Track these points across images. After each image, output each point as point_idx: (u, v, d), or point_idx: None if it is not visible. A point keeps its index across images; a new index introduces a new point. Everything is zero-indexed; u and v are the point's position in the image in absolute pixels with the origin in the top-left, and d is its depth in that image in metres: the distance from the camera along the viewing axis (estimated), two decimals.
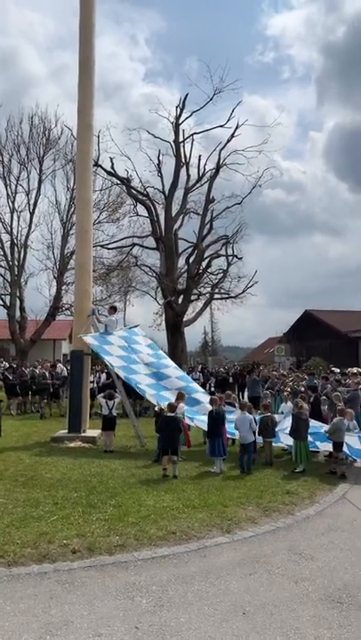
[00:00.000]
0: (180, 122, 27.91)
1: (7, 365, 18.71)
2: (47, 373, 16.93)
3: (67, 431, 11.98)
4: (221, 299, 29.97)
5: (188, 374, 19.09)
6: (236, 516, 6.52)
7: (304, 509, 6.99)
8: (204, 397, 12.04)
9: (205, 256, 28.55)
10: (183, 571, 4.91)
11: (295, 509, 6.96)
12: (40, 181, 25.60)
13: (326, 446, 9.68)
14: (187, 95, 28.22)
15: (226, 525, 6.17)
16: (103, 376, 16.78)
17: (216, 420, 9.31)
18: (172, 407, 9.36)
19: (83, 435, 11.77)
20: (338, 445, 9.19)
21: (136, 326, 15.01)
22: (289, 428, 9.66)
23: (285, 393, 12.88)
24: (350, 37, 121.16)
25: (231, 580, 4.74)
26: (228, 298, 29.58)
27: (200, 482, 8.22)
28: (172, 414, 9.14)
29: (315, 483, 8.41)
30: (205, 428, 9.83)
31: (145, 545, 5.48)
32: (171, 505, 6.85)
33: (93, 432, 12.12)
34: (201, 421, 10.58)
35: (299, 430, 9.39)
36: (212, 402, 9.79)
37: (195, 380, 18.75)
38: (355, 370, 17.41)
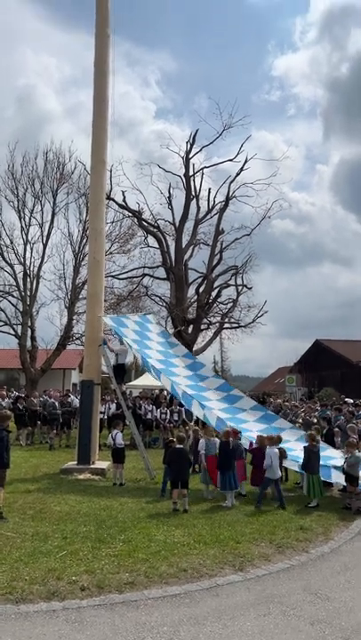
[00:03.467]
0: (190, 156, 28.62)
1: (17, 395, 18.66)
2: (57, 403, 16.89)
3: (76, 463, 11.85)
4: (231, 328, 30.01)
5: None
6: (248, 552, 6.34)
7: (319, 546, 6.79)
8: (212, 395, 12.00)
9: (215, 286, 28.75)
10: (195, 611, 4.75)
11: (310, 546, 6.76)
12: (53, 214, 26.16)
13: (339, 477, 9.44)
14: (197, 131, 29.08)
15: (238, 563, 6.00)
16: (113, 406, 16.70)
17: (228, 452, 9.11)
18: (180, 439, 9.22)
19: (92, 466, 11.64)
20: (353, 479, 8.96)
21: (150, 314, 15.34)
22: (301, 459, 9.48)
23: (298, 425, 12.70)
24: (354, 73, 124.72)
25: (245, 621, 4.58)
26: (237, 327, 29.60)
27: (211, 516, 8.04)
28: (181, 446, 8.99)
29: (329, 518, 8.19)
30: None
31: (155, 583, 5.34)
32: (181, 540, 6.70)
33: (103, 464, 11.98)
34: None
35: (311, 464, 9.20)
36: (226, 434, 9.49)
37: (208, 422, 18.64)
38: None
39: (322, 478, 9.35)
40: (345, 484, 9.21)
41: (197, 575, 5.59)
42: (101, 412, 14.81)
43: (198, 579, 5.51)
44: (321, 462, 9.41)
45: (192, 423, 14.41)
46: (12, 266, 25.86)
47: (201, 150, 29.28)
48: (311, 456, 9.23)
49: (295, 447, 10.30)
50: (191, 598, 5.03)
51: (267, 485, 9.01)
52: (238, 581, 5.51)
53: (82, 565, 5.69)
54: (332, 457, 10.03)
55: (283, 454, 9.39)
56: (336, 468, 9.74)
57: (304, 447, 9.56)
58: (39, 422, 17.36)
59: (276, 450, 9.17)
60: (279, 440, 9.55)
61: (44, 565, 5.65)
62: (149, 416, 17.11)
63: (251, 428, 11.01)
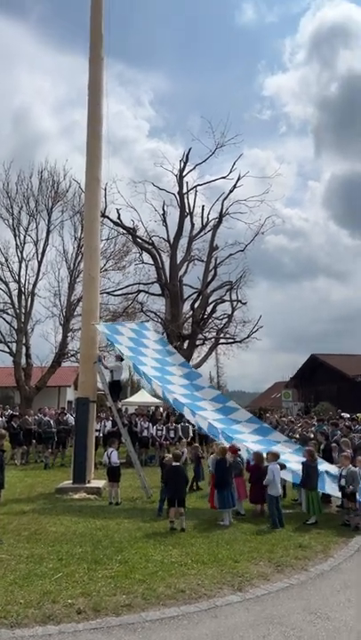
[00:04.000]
0: (183, 174, 28.97)
1: (12, 413, 18.48)
2: (52, 422, 16.74)
3: (71, 482, 11.71)
4: (227, 343, 30.04)
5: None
6: (247, 572, 6.25)
7: (318, 564, 6.70)
8: (208, 406, 11.92)
9: (210, 301, 28.85)
10: (194, 633, 4.66)
11: (309, 564, 6.68)
12: (48, 232, 26.33)
13: (334, 489, 9.37)
14: (190, 149, 29.49)
15: (237, 583, 5.91)
16: (108, 424, 16.57)
17: (225, 469, 8.98)
18: (176, 456, 9.13)
19: (87, 485, 11.49)
20: (352, 495, 8.89)
21: (147, 321, 15.29)
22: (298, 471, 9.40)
23: (294, 440, 12.63)
24: (343, 91, 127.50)
25: None
26: (233, 342, 29.63)
27: (209, 535, 7.94)
28: (177, 463, 8.88)
29: (328, 535, 8.10)
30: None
31: (153, 604, 5.24)
32: (179, 560, 6.60)
33: (98, 482, 11.83)
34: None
35: (309, 480, 9.12)
36: (222, 451, 9.33)
37: (200, 428, 18.52)
38: None
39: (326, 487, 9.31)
40: (338, 495, 9.14)
41: (195, 596, 5.50)
42: (97, 430, 14.70)
43: (196, 600, 5.41)
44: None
45: (185, 440, 14.28)
46: (6, 284, 25.90)
47: (194, 168, 29.73)
48: (310, 472, 9.16)
49: (290, 459, 10.22)
50: (189, 620, 4.94)
51: (273, 504, 8.78)
52: (237, 602, 5.41)
53: (78, 588, 5.59)
54: (328, 471, 9.97)
55: (282, 467, 9.30)
56: (328, 474, 9.68)
57: (302, 463, 9.47)
58: (34, 441, 17.17)
59: (278, 466, 9.07)
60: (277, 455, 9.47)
61: (40, 588, 5.54)
62: (145, 433, 16.98)
63: (246, 439, 10.95)
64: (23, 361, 25.87)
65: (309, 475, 9.13)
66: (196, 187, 29.34)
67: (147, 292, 28.78)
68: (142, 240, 28.43)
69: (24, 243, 26.10)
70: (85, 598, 5.31)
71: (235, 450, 9.84)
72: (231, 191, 28.95)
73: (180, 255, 28.69)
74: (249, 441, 10.86)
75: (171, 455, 9.24)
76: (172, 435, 17.16)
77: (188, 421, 18.40)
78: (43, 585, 5.63)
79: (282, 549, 7.24)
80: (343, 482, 8.91)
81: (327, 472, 9.81)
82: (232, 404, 12.69)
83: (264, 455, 9.66)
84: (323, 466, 9.98)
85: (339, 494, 9.21)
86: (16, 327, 25.73)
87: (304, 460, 9.49)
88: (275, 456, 9.31)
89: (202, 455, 13.01)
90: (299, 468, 9.60)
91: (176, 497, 8.38)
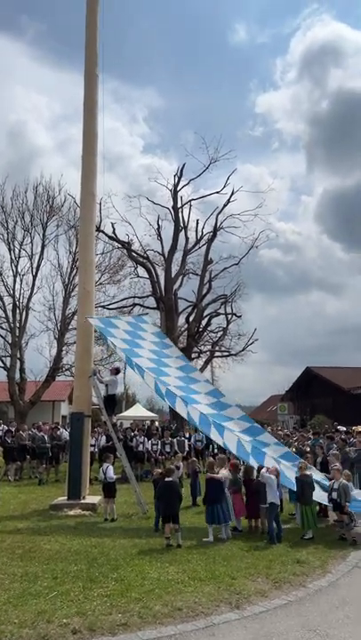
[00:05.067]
0: (178, 189, 29.20)
1: (5, 429, 18.27)
2: (47, 437, 16.58)
3: (66, 498, 11.57)
4: (222, 356, 30.01)
5: (190, 436, 18.80)
6: (245, 589, 6.18)
7: (316, 580, 6.64)
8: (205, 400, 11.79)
9: (205, 315, 28.90)
10: None
11: (307, 580, 6.61)
12: (43, 246, 26.31)
13: (322, 497, 9.35)
14: (184, 165, 29.73)
15: (235, 600, 5.84)
16: (103, 439, 16.43)
17: (216, 486, 8.85)
18: (169, 471, 9.04)
19: (82, 502, 11.36)
20: (342, 508, 8.83)
21: (146, 314, 15.26)
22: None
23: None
24: (334, 108, 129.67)
25: None
26: (228, 355, 29.62)
27: (205, 551, 7.84)
28: (171, 479, 8.77)
29: (325, 550, 8.03)
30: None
31: (149, 623, 5.16)
32: (176, 577, 6.51)
33: (94, 498, 11.70)
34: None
35: (304, 495, 9.03)
36: (210, 466, 9.28)
37: (197, 441, 18.42)
38: (360, 428, 17.09)
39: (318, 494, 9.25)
40: (326, 503, 9.14)
41: (193, 614, 5.42)
42: (92, 445, 14.56)
43: (194, 618, 5.33)
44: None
45: (181, 455, 14.17)
46: (1, 298, 25.81)
47: (188, 183, 29.93)
48: (304, 487, 9.09)
49: (282, 463, 10.22)
50: (187, 639, 4.86)
51: (272, 514, 8.69)
52: (235, 620, 5.34)
53: (73, 607, 5.49)
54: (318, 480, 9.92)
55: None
56: (318, 483, 9.65)
57: (296, 478, 9.38)
58: (28, 457, 16.98)
59: (273, 476, 9.00)
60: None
61: (34, 607, 5.44)
62: (141, 448, 16.85)
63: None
64: (17, 375, 25.69)
65: (304, 489, 9.04)
66: (190, 201, 29.59)
67: (142, 306, 28.79)
68: (137, 254, 28.54)
69: (19, 257, 26.10)
70: (81, 617, 5.22)
71: (234, 465, 9.79)
72: (225, 206, 29.23)
73: (174, 269, 28.81)
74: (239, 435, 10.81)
75: (160, 470, 9.16)
76: (167, 449, 17.04)
77: (184, 435, 18.37)
78: (37, 604, 5.54)
79: (279, 565, 7.16)
80: (335, 495, 8.88)
81: (317, 481, 9.73)
82: (226, 400, 12.58)
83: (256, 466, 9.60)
84: (314, 475, 9.93)
85: (327, 503, 9.21)
86: (10, 341, 25.58)
87: (295, 469, 9.46)
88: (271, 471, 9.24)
89: (199, 470, 12.91)
90: (290, 474, 9.57)
91: (169, 513, 8.29)
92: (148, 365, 12.13)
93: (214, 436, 10.69)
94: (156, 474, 9.21)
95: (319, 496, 9.45)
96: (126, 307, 28.32)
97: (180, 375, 12.60)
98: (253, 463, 9.87)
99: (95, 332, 13.52)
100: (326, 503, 9.36)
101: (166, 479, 8.76)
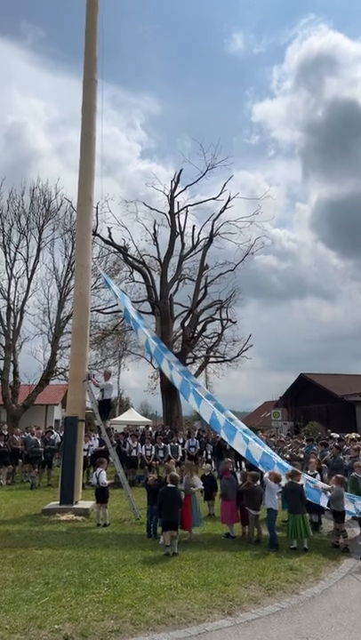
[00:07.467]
0: (174, 195, 29.29)
1: (1, 432, 18.14)
2: (39, 441, 16.48)
3: (58, 502, 11.49)
4: (217, 362, 30.02)
5: (183, 442, 18.78)
6: (238, 595, 6.16)
7: (309, 587, 6.63)
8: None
9: (200, 320, 28.88)
10: None
11: (300, 587, 6.60)
12: (39, 249, 26.29)
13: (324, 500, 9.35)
14: (181, 170, 29.82)
15: (227, 607, 5.81)
16: (95, 443, 16.33)
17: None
18: (173, 478, 8.83)
19: (75, 506, 11.29)
20: (339, 515, 8.82)
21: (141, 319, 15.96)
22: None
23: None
24: (329, 116, 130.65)
25: None
26: (223, 361, 29.61)
27: (198, 558, 7.81)
28: (173, 485, 8.59)
29: (318, 558, 8.02)
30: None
31: (142, 630, 5.13)
32: (168, 584, 6.48)
33: (86, 503, 11.63)
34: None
35: (294, 503, 8.76)
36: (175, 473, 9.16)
37: (191, 446, 18.38)
38: (353, 435, 17.11)
39: (308, 498, 9.15)
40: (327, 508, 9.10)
41: (185, 621, 5.39)
42: (85, 450, 14.48)
43: (186, 624, 5.30)
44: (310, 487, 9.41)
45: (174, 460, 14.12)
46: None
47: (185, 189, 30.13)
48: (293, 495, 8.82)
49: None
50: None
51: (272, 520, 8.65)
52: (228, 627, 5.32)
53: (65, 613, 5.45)
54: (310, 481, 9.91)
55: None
56: (309, 483, 9.66)
57: (283, 487, 9.19)
58: (20, 461, 16.87)
59: (272, 483, 8.99)
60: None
61: (25, 613, 5.39)
62: (134, 453, 16.79)
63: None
64: (10, 378, 25.57)
65: (293, 498, 8.91)
66: (186, 207, 29.66)
67: (137, 310, 28.76)
68: (133, 259, 28.55)
69: (14, 260, 26.06)
70: (73, 623, 5.18)
71: (226, 471, 9.76)
72: (221, 212, 29.30)
73: (170, 274, 28.82)
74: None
75: (154, 475, 9.11)
76: (160, 454, 16.98)
77: (178, 441, 18.32)
78: (29, 610, 5.49)
79: (272, 572, 7.15)
80: (331, 502, 8.87)
81: (309, 482, 9.73)
82: (220, 404, 12.63)
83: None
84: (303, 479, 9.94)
85: (325, 505, 9.23)
86: (4, 344, 25.47)
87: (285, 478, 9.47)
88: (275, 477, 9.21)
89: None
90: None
91: (170, 520, 8.21)
92: (150, 334, 12.52)
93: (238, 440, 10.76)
94: (151, 480, 9.14)
95: (319, 499, 9.43)
96: (121, 311, 28.28)
97: (180, 369, 12.83)
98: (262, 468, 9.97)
99: (90, 335, 13.51)
100: (326, 506, 9.30)
101: (169, 485, 8.53)
